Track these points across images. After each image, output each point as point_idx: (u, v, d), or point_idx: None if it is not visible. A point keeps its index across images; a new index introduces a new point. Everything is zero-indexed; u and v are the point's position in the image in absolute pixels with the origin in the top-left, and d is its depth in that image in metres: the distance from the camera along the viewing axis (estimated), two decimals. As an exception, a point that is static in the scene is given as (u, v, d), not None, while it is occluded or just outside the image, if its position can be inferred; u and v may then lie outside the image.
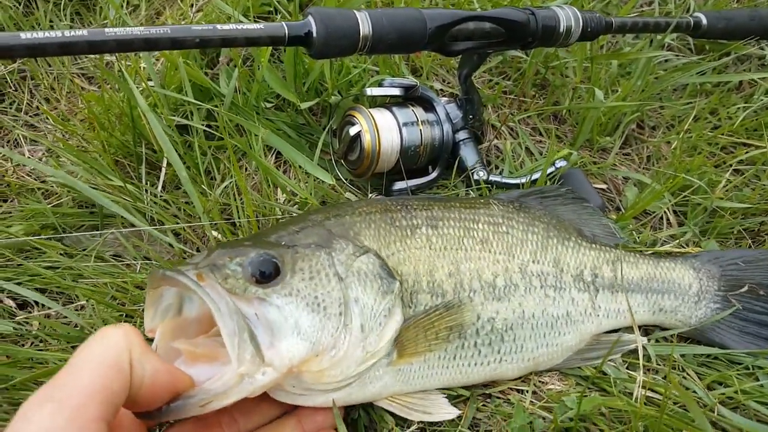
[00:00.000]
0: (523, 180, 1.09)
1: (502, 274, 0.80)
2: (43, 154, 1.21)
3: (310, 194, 1.01)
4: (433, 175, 1.11)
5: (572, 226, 0.94)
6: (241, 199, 1.00)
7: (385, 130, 1.03)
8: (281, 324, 0.60)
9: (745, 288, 0.94)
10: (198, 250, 1.03)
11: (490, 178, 1.09)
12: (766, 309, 0.93)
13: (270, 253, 0.63)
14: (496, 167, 1.17)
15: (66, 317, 0.93)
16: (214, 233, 1.00)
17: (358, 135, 1.02)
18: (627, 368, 0.91)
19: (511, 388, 0.87)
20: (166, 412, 0.54)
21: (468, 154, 1.11)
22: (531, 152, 1.20)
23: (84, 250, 1.01)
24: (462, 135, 1.12)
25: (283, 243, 0.67)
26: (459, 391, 0.83)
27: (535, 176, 1.09)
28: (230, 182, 1.02)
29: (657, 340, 0.97)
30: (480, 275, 0.79)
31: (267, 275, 0.62)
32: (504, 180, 1.10)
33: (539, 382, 0.89)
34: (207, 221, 0.98)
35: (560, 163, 1.11)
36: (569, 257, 0.88)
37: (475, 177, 1.10)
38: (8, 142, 1.26)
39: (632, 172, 1.21)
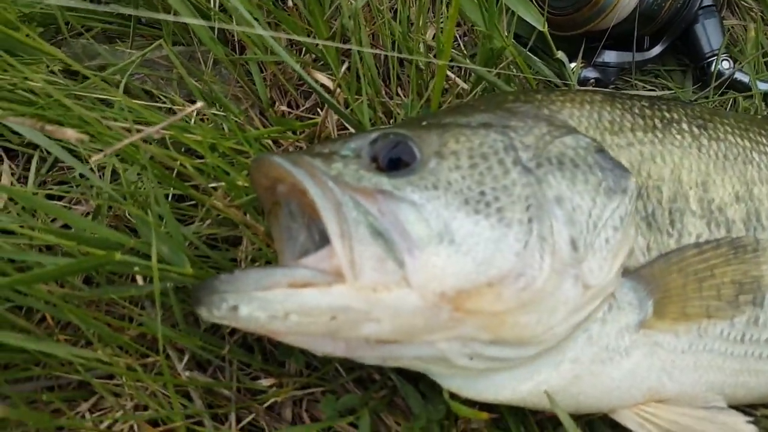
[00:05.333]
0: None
1: None
2: None
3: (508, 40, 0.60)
4: (654, 51, 0.73)
5: None
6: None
7: (631, -41, 0.63)
8: (420, 227, 0.39)
9: None
10: (292, 106, 0.64)
11: (736, 76, 0.72)
12: None
13: (399, 132, 0.44)
14: (733, 60, 0.79)
15: (72, 175, 0.55)
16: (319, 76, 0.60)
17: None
18: None
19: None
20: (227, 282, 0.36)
21: (710, 32, 0.73)
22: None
23: (102, 69, 0.60)
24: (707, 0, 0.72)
25: (425, 123, 0.47)
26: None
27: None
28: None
29: None
30: None
31: (394, 161, 0.42)
32: (761, 83, 0.73)
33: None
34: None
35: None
36: None
37: (720, 68, 0.72)
38: None
39: None
